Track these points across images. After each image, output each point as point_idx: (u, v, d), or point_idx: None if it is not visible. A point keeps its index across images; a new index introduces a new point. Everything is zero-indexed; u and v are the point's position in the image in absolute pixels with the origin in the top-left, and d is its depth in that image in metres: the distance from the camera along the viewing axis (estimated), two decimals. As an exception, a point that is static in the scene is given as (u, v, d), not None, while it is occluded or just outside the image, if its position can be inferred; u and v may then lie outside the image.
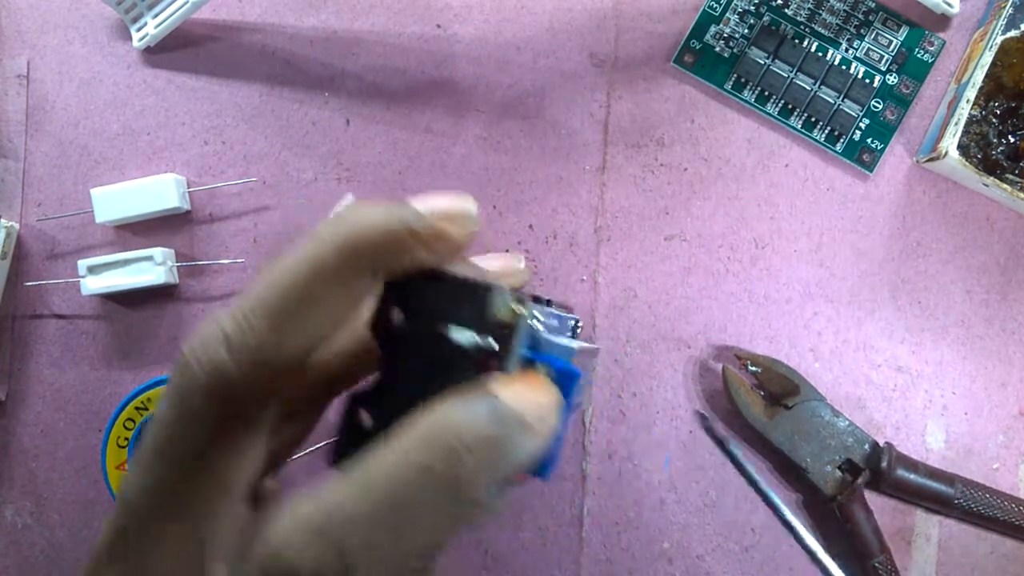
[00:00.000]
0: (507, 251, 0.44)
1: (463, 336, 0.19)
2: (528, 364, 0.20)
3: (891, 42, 0.43)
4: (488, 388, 0.18)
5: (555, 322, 0.22)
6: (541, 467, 0.20)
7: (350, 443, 0.20)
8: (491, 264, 0.24)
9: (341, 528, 0.16)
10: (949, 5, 0.42)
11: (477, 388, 0.18)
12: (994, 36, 0.40)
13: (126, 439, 0.41)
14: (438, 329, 0.19)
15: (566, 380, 0.20)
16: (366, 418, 0.20)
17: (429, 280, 0.19)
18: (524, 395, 0.18)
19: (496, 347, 0.19)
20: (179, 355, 0.18)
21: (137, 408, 0.41)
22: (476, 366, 0.19)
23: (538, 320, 0.20)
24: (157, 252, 0.44)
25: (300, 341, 0.18)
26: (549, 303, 0.23)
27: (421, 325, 0.19)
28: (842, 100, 0.43)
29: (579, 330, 0.24)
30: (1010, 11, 0.40)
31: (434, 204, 0.19)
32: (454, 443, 0.17)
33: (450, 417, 0.17)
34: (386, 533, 0.16)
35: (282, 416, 0.21)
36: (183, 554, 0.18)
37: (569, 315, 0.24)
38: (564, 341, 0.21)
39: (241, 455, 0.19)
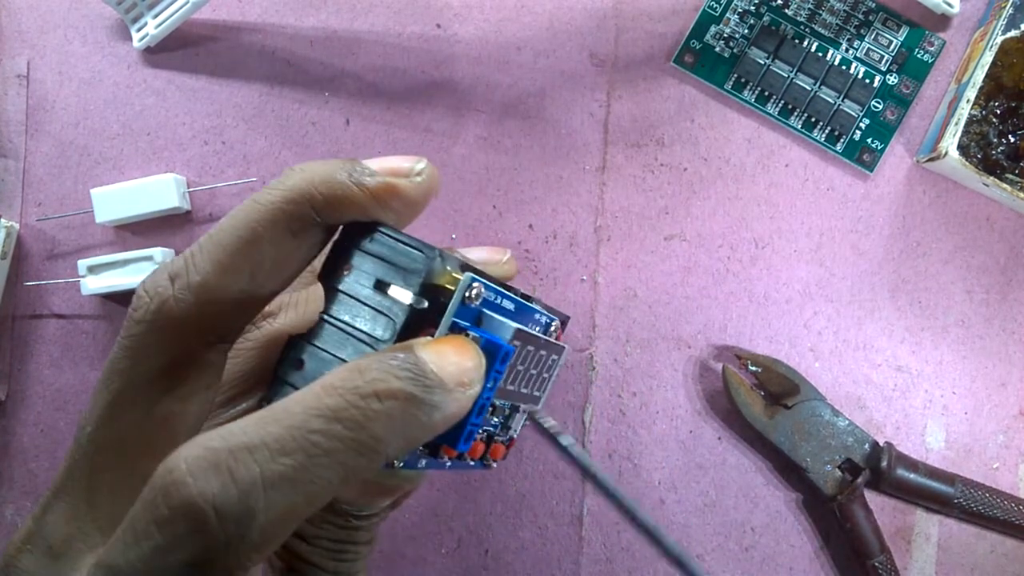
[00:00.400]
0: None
1: (401, 294, 0.19)
2: (459, 332, 0.20)
3: (891, 42, 0.43)
4: (410, 346, 0.18)
5: (511, 305, 0.22)
6: (454, 437, 0.20)
7: (283, 380, 0.20)
8: (474, 253, 0.25)
9: (243, 462, 0.16)
10: (949, 5, 0.42)
11: (401, 345, 0.18)
12: (994, 36, 0.40)
13: None
14: (380, 284, 0.20)
15: (493, 352, 0.20)
16: (299, 363, 0.20)
17: (382, 236, 0.20)
18: (446, 356, 0.18)
19: (426, 306, 0.19)
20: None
21: None
22: (409, 325, 0.19)
23: (479, 292, 0.20)
24: (157, 252, 0.44)
25: (241, 279, 0.19)
26: (528, 298, 0.23)
27: (364, 277, 0.20)
28: (842, 100, 0.43)
29: (553, 331, 0.24)
30: (1010, 11, 0.40)
31: (384, 162, 0.20)
32: (365, 391, 0.17)
33: (365, 368, 0.17)
34: (287, 471, 0.16)
35: (253, 381, 0.21)
36: (126, 493, 0.18)
37: (546, 312, 0.24)
38: (507, 321, 0.21)
39: (187, 398, 0.19)
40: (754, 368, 0.41)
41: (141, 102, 0.46)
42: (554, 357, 0.23)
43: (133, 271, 0.44)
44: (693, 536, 0.42)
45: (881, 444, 0.41)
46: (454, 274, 0.20)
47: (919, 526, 0.42)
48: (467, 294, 0.20)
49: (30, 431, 0.46)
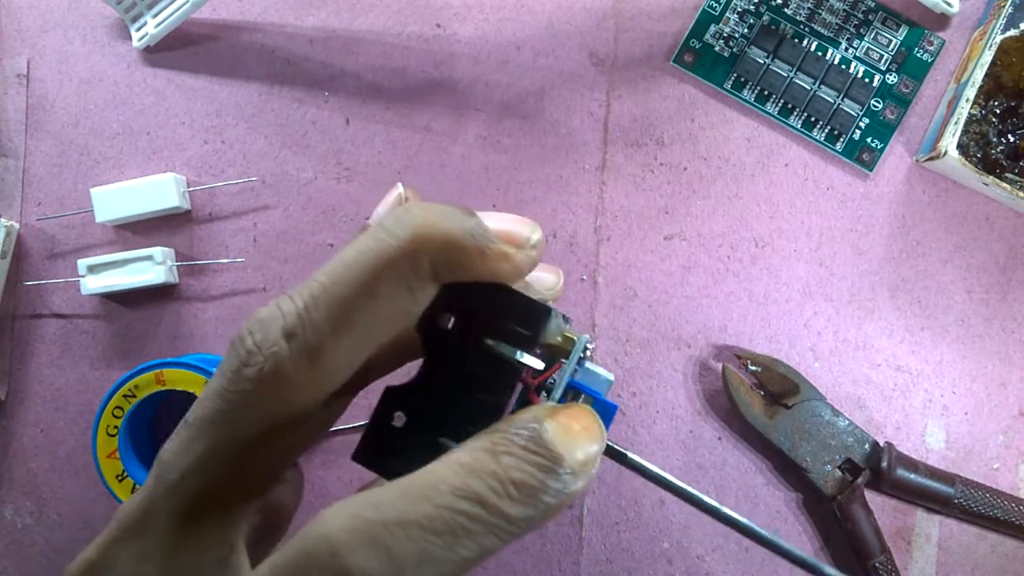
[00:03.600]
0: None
1: (512, 353, 0.19)
2: (571, 392, 0.20)
3: (891, 41, 0.43)
4: (539, 419, 0.18)
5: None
6: None
7: (378, 440, 0.20)
8: (533, 276, 0.24)
9: (398, 539, 0.16)
10: (949, 5, 0.42)
11: (529, 416, 0.18)
12: (994, 35, 0.40)
13: (115, 427, 0.40)
14: (487, 341, 0.19)
15: (602, 413, 0.20)
16: (398, 418, 0.19)
17: (485, 290, 0.19)
18: (575, 439, 0.18)
19: (543, 369, 0.19)
20: (238, 335, 0.18)
21: (125, 396, 0.40)
22: (520, 386, 0.19)
23: (586, 347, 0.20)
24: (157, 251, 0.44)
25: (356, 339, 0.18)
26: (566, 320, 0.23)
27: (471, 334, 0.19)
28: (842, 99, 0.43)
29: (591, 352, 0.24)
30: (1010, 10, 0.40)
31: (501, 223, 0.19)
32: (502, 477, 0.17)
33: (500, 450, 0.17)
34: (436, 550, 0.16)
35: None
36: (211, 541, 0.18)
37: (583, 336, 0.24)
38: (602, 372, 0.21)
39: (285, 450, 0.19)
40: (754, 368, 0.41)
41: (141, 101, 0.46)
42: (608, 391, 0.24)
43: (133, 271, 0.44)
44: (693, 536, 0.42)
45: (881, 444, 0.40)
46: (567, 333, 0.19)
47: (919, 526, 0.42)
48: (582, 355, 0.19)
49: (30, 431, 0.46)
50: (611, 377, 0.21)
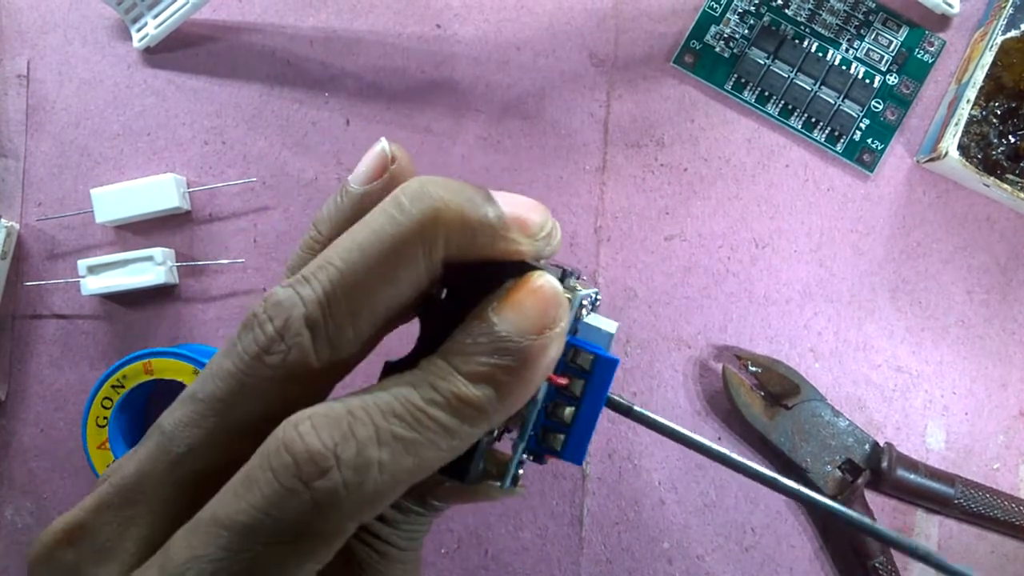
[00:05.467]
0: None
1: None
2: (572, 350, 0.20)
3: (891, 42, 0.43)
4: (484, 317, 0.18)
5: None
6: (576, 451, 0.21)
7: None
8: None
9: (360, 420, 0.16)
10: (949, 5, 0.42)
11: (474, 316, 0.18)
12: (994, 36, 0.40)
13: (104, 418, 0.40)
14: (484, 303, 0.19)
15: (606, 368, 0.20)
16: None
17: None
18: (525, 314, 0.18)
19: None
20: (255, 318, 0.17)
21: (113, 386, 0.40)
22: None
23: (582, 304, 0.19)
24: (157, 252, 0.44)
25: (374, 326, 0.18)
26: (569, 274, 0.22)
27: (463, 302, 0.19)
28: (842, 100, 0.43)
29: (598, 304, 0.24)
30: (1010, 11, 0.40)
31: (516, 209, 0.19)
32: (446, 392, 0.17)
33: (441, 381, 0.17)
34: (400, 431, 0.17)
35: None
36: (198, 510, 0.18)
37: (590, 289, 0.23)
38: (602, 324, 0.20)
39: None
40: (754, 368, 0.41)
41: (141, 102, 0.46)
42: (612, 340, 0.23)
43: (133, 271, 0.44)
44: (693, 536, 0.42)
45: (881, 445, 0.40)
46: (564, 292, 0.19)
47: (919, 527, 0.42)
48: (579, 313, 0.19)
49: (30, 431, 0.46)
50: (612, 329, 0.20)
